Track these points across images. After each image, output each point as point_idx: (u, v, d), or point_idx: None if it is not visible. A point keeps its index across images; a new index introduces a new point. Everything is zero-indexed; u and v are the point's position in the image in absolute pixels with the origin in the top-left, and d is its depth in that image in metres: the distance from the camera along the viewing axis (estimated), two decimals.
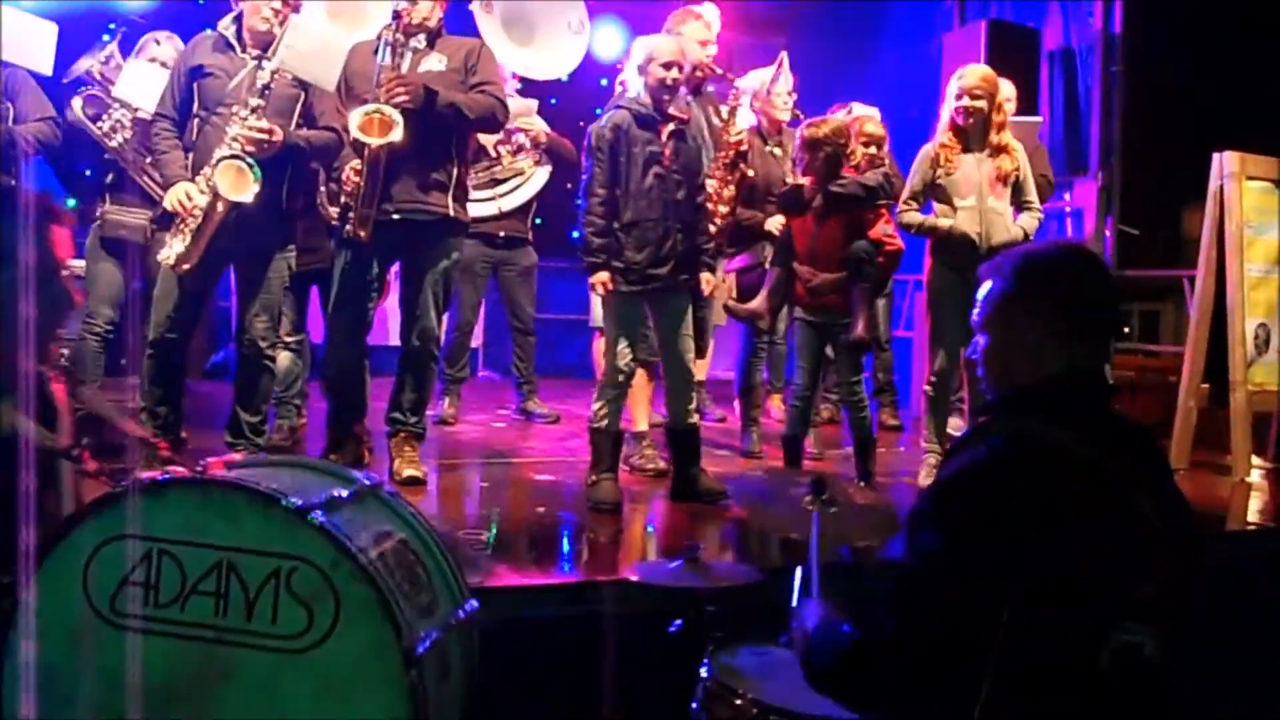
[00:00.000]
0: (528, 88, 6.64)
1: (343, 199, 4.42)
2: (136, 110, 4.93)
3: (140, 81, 4.80)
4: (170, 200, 4.22)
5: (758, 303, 4.99)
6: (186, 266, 4.21)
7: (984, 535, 1.76)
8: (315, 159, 4.56)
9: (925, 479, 4.84)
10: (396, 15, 4.39)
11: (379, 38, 4.47)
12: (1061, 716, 1.76)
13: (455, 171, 4.54)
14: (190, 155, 4.31)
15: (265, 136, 4.16)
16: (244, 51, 4.34)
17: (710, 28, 5.40)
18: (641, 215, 4.36)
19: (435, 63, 4.49)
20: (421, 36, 4.46)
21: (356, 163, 4.29)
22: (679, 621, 2.52)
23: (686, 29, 5.27)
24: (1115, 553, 1.78)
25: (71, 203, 5.70)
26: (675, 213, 4.42)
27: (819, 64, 7.88)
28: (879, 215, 5.08)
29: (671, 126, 4.45)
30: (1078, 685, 1.74)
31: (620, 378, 4.46)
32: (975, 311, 2.04)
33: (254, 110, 4.15)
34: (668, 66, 4.40)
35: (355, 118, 4.21)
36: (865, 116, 5.68)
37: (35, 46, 4.45)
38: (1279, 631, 3.85)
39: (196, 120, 4.33)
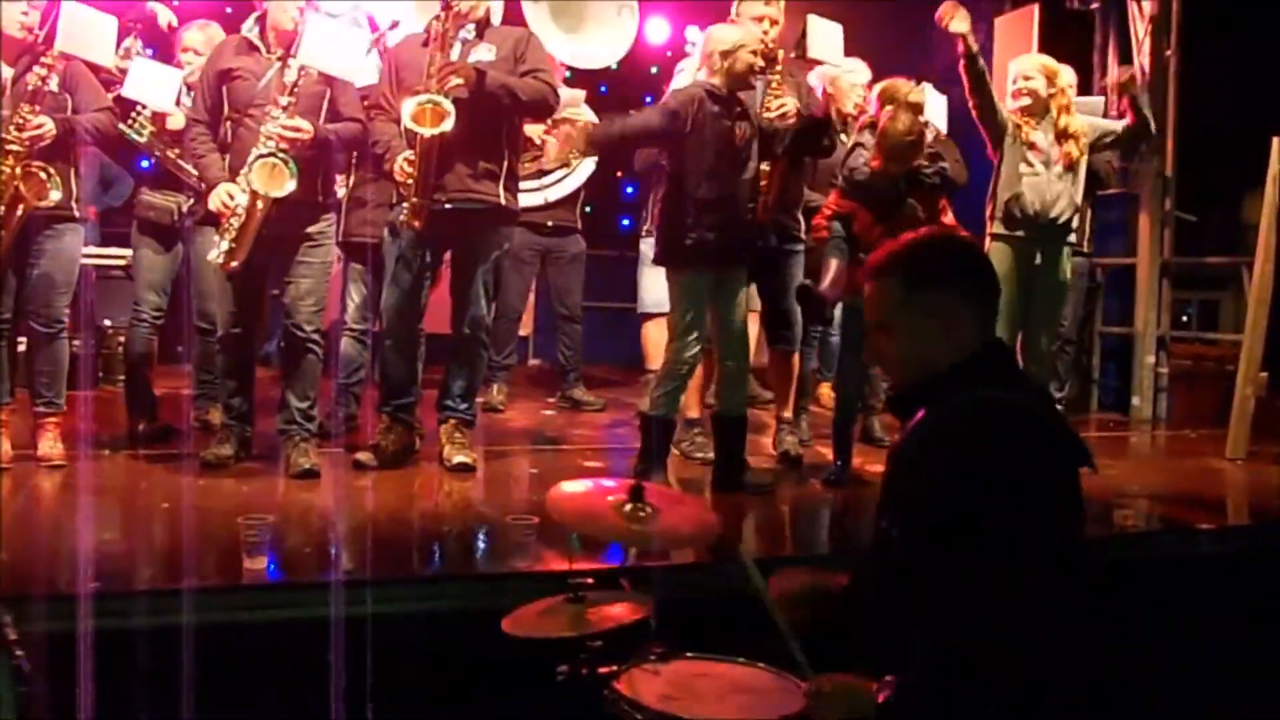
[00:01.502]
0: (577, 76, 6.65)
1: (397, 189, 4.49)
2: (146, 108, 4.99)
3: (147, 79, 4.86)
4: (214, 202, 4.35)
5: (825, 286, 4.68)
6: (235, 264, 4.33)
7: (1018, 495, 1.85)
8: (344, 152, 4.67)
9: None
10: (446, 6, 4.43)
11: (427, 29, 4.52)
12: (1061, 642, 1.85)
13: (506, 160, 4.58)
14: (227, 157, 4.42)
15: (298, 134, 4.26)
16: (269, 52, 4.44)
17: (779, 4, 5.34)
18: (713, 194, 4.36)
19: (485, 52, 4.53)
20: (470, 27, 4.51)
21: (409, 153, 4.35)
22: (563, 668, 2.24)
23: (756, 9, 5.19)
24: (1074, 497, 1.95)
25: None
26: (742, 192, 4.43)
27: (873, 46, 7.82)
28: (944, 203, 5.03)
29: (739, 109, 4.45)
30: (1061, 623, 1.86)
31: (684, 369, 4.43)
32: (871, 311, 2.09)
33: (285, 109, 4.26)
34: (754, 53, 4.43)
35: (408, 108, 4.27)
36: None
37: (95, 39, 4.53)
38: None
39: (229, 123, 4.45)
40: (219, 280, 4.52)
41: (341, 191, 5.39)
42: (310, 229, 4.50)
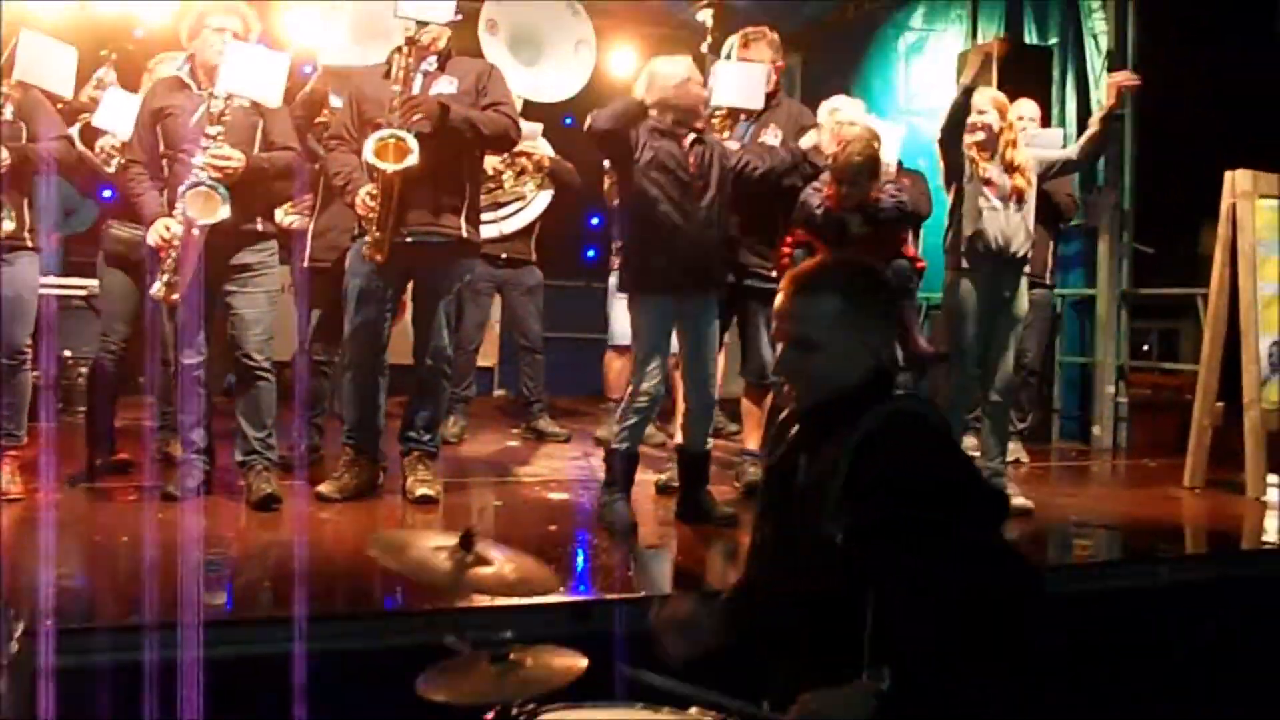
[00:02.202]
0: (537, 109, 6.69)
1: (359, 222, 4.49)
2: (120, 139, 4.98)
3: (120, 109, 4.86)
4: (152, 237, 4.36)
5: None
6: (175, 296, 4.34)
7: (976, 497, 1.99)
8: (278, 180, 4.67)
9: (1015, 501, 4.64)
10: (409, 40, 4.45)
11: (389, 62, 4.54)
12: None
13: (468, 193, 4.62)
14: (165, 194, 4.43)
15: (228, 162, 4.28)
16: (200, 89, 4.45)
17: (776, 47, 5.37)
18: (666, 220, 4.35)
19: (446, 85, 4.55)
20: (432, 59, 4.55)
21: (371, 187, 4.35)
22: None
23: (754, 51, 5.24)
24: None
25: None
26: (700, 219, 4.42)
27: (836, 84, 7.90)
28: (907, 234, 5.08)
29: (692, 136, 4.47)
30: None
31: (645, 400, 4.39)
32: (797, 327, 2.09)
33: (214, 138, 4.28)
34: (690, 88, 4.43)
35: (371, 143, 4.28)
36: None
37: (53, 69, 4.53)
38: None
39: (165, 160, 4.46)
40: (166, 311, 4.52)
41: (295, 220, 5.40)
42: (250, 259, 4.51)
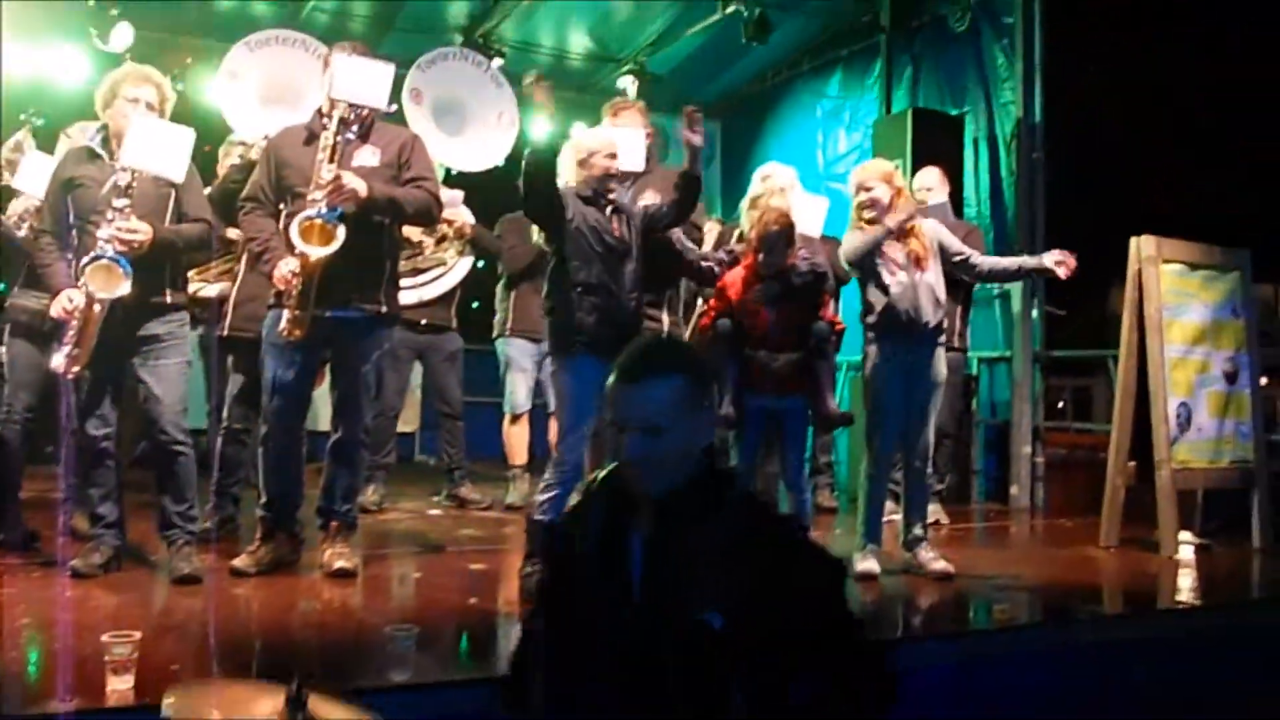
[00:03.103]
0: (463, 176, 6.71)
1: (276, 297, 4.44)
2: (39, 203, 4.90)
3: (41, 173, 4.79)
4: (55, 308, 4.29)
5: (727, 410, 4.73)
6: (76, 369, 4.27)
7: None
8: (189, 252, 4.60)
9: (936, 564, 4.81)
10: (332, 104, 4.42)
11: (308, 128, 4.51)
12: None
13: (388, 267, 4.59)
14: (74, 265, 4.34)
15: (134, 236, 4.21)
16: (111, 159, 4.39)
17: (645, 114, 5.46)
18: (593, 279, 4.36)
19: (369, 156, 4.51)
20: (354, 127, 4.48)
21: (293, 263, 4.30)
22: None
23: (624, 119, 5.32)
24: None
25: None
26: (623, 283, 4.43)
27: (753, 152, 8.03)
28: (824, 297, 5.14)
29: (613, 204, 4.50)
30: None
31: (567, 469, 4.35)
32: (643, 412, 2.05)
33: (120, 211, 4.22)
34: (611, 156, 4.48)
35: (296, 225, 4.25)
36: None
37: None
38: (1216, 709, 3.90)
39: (75, 230, 4.39)
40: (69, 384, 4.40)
41: (214, 289, 5.33)
42: (158, 330, 4.42)
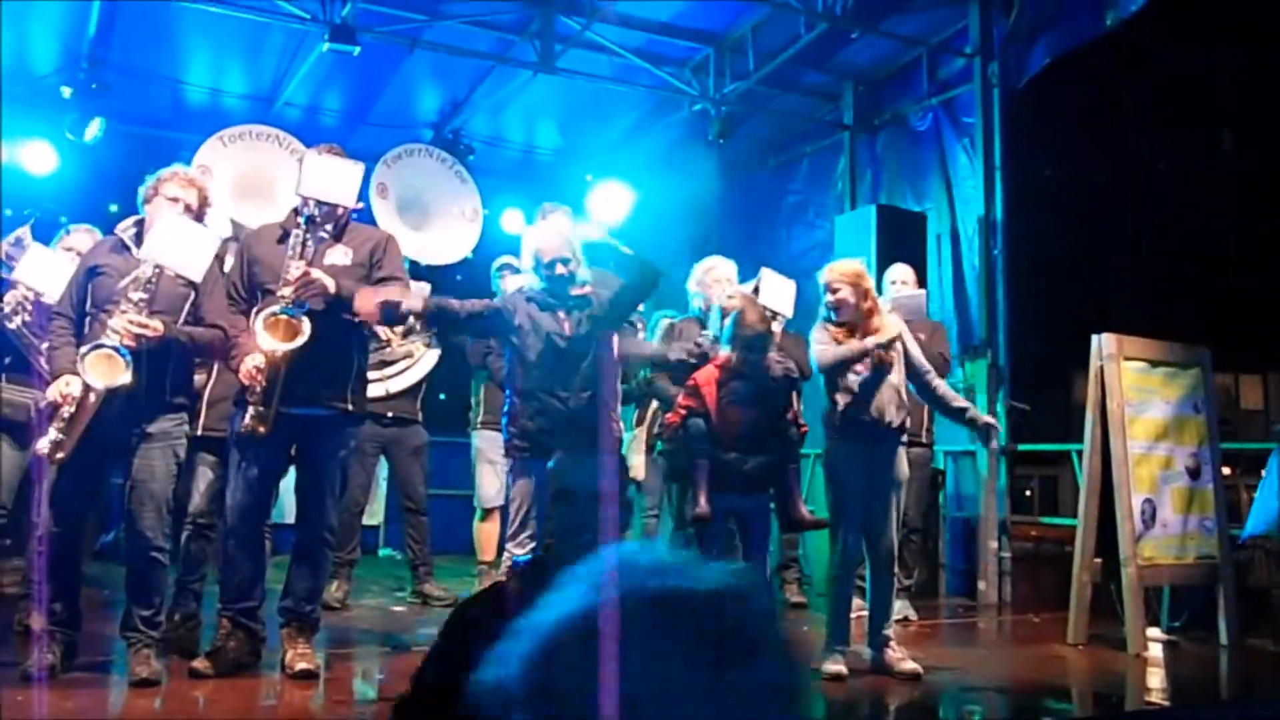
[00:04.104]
0: (429, 268, 6.75)
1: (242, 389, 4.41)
2: (40, 294, 4.89)
3: (43, 266, 4.79)
4: (51, 392, 4.24)
5: (702, 508, 4.70)
6: (61, 455, 4.19)
7: None
8: (197, 355, 4.57)
9: (905, 664, 4.77)
10: (304, 202, 4.44)
11: (283, 226, 4.53)
12: None
13: (355, 365, 4.57)
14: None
15: (143, 330, 4.19)
16: (137, 253, 4.39)
17: (570, 218, 5.58)
18: (534, 383, 4.41)
19: (341, 255, 4.52)
20: (327, 227, 4.51)
21: (258, 358, 4.28)
22: None
23: (554, 219, 5.43)
24: None
25: None
26: (573, 382, 4.45)
27: (721, 248, 8.11)
28: (791, 398, 5.18)
29: (572, 302, 4.53)
30: None
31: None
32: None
33: (135, 304, 4.21)
34: (563, 261, 4.57)
35: (262, 319, 4.24)
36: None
37: None
38: None
39: (89, 318, 4.37)
40: (50, 474, 4.32)
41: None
42: (150, 428, 4.36)
